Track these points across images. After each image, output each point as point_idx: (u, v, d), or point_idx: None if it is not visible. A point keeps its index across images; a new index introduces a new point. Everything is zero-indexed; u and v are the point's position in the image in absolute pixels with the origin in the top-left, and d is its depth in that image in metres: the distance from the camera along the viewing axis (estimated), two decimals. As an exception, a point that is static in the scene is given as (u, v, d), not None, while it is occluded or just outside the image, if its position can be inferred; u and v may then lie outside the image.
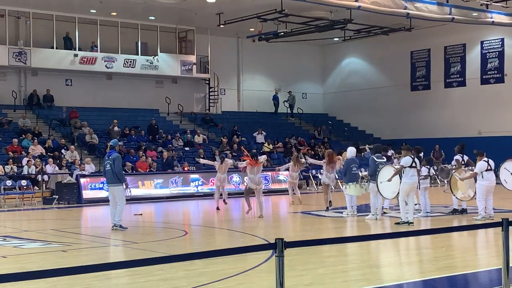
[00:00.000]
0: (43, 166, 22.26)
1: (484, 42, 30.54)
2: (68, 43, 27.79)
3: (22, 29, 27.20)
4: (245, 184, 16.26)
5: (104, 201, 20.10)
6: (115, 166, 13.04)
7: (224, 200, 17.78)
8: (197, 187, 23.04)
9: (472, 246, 11.04)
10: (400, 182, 13.33)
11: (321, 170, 18.81)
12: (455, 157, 15.36)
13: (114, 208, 13.22)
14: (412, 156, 13.35)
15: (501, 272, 6.19)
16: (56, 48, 27.47)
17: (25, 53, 26.65)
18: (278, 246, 4.93)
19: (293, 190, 19.44)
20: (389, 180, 13.27)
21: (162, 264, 7.41)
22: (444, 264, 8.93)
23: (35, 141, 24.23)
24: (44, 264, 9.35)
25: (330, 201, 16.75)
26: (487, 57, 30.45)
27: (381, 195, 13.87)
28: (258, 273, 8.28)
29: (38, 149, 23.80)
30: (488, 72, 30.43)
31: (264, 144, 29.55)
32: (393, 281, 7.98)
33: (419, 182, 14.59)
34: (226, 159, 18.41)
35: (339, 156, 17.93)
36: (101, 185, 20.79)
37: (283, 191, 22.29)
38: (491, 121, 29.86)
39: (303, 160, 20.02)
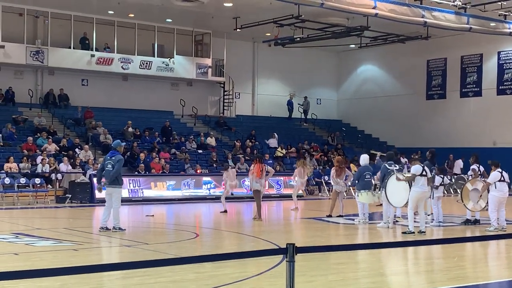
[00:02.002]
0: (57, 165, 22.40)
1: (501, 53, 30.36)
2: (85, 44, 27.97)
3: (40, 29, 27.43)
4: (252, 187, 16.30)
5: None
6: (116, 168, 12.83)
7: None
8: (209, 190, 23.07)
9: (483, 257, 10.96)
10: (410, 191, 13.24)
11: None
12: (471, 167, 15.29)
13: (108, 210, 13.02)
14: (422, 165, 13.26)
15: (513, 284, 6.14)
16: (73, 48, 27.66)
17: (43, 52, 26.85)
18: (289, 251, 4.93)
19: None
20: (398, 179, 13.20)
21: (172, 266, 7.44)
22: (456, 275, 8.88)
23: (50, 139, 24.39)
24: (55, 262, 9.39)
25: (331, 211, 16.72)
26: (504, 67, 30.27)
27: (389, 202, 13.79)
28: (268, 278, 8.27)
29: (52, 148, 23.95)
30: (505, 83, 30.24)
31: (277, 149, 29.55)
32: (403, 290, 7.94)
33: (432, 191, 14.53)
34: (229, 167, 18.80)
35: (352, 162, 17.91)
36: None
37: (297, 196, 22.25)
38: (507, 132, 29.65)
39: (310, 165, 20.40)
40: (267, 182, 20.42)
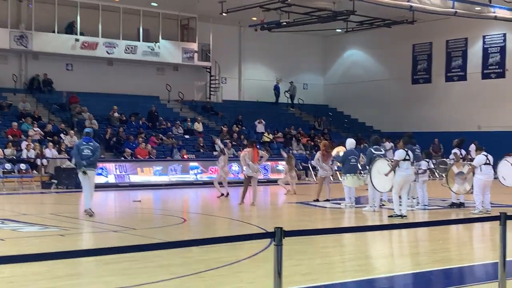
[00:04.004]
0: (43, 150, 22.28)
1: (486, 37, 30.48)
2: (69, 28, 27.71)
3: (24, 13, 27.12)
4: (244, 172, 16.29)
5: (103, 186, 20.17)
6: (96, 154, 13.52)
7: (228, 193, 17.84)
8: (196, 175, 23.06)
9: (468, 240, 11.07)
10: (394, 175, 13.27)
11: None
12: (453, 151, 15.40)
13: (88, 192, 13.43)
14: (406, 149, 13.29)
15: (498, 266, 6.21)
16: (58, 33, 27.40)
17: (27, 37, 26.58)
18: (277, 235, 4.94)
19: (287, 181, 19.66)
20: (387, 174, 13.23)
21: (160, 251, 7.44)
22: (441, 257, 8.96)
23: (35, 125, 24.22)
24: (42, 247, 9.37)
25: (318, 196, 16.76)
26: (489, 51, 30.41)
27: (374, 187, 13.85)
28: (255, 262, 8.31)
29: (37, 133, 23.80)
30: (489, 67, 30.39)
31: (264, 134, 29.56)
32: (389, 272, 8.01)
33: (417, 175, 14.61)
34: (225, 150, 18.65)
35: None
36: (100, 171, 20.82)
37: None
38: (491, 116, 29.86)
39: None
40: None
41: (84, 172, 13.31)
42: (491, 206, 14.03)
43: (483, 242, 10.76)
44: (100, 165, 21.01)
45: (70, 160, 21.71)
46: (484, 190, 13.83)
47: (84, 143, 13.54)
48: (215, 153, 24.25)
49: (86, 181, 13.45)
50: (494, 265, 7.20)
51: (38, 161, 21.87)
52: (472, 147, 25.49)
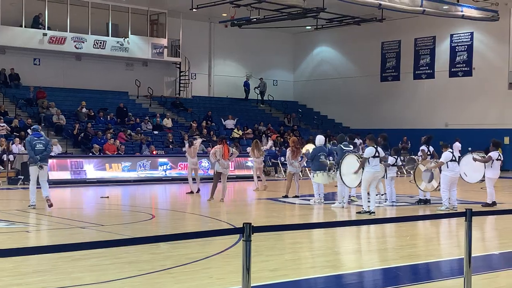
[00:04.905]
0: (9, 146, 21.94)
1: (454, 36, 30.89)
2: (36, 22, 27.32)
3: (-10, 6, 26.69)
4: (214, 168, 16.27)
5: (70, 182, 19.98)
6: (48, 148, 13.87)
7: (198, 189, 17.74)
8: (165, 171, 22.95)
9: (435, 236, 11.22)
10: (363, 171, 13.39)
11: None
12: (421, 148, 15.58)
13: (35, 187, 13.71)
14: (375, 146, 13.41)
15: (463, 262, 6.31)
16: (25, 27, 27.00)
17: (-7, 31, 26.16)
18: (246, 231, 4.95)
19: (258, 176, 19.59)
20: (355, 172, 13.33)
21: (128, 247, 7.41)
22: (408, 253, 9.07)
23: (1, 120, 23.85)
24: (8, 244, 9.24)
25: (287, 192, 16.80)
26: (456, 50, 30.84)
27: (343, 183, 13.96)
28: (224, 258, 8.31)
29: (4, 129, 23.43)
30: (457, 65, 30.82)
31: (234, 130, 29.55)
32: (357, 268, 8.08)
33: (386, 171, 14.76)
34: (194, 141, 18.41)
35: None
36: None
37: (251, 177, 22.32)
38: (458, 114, 30.30)
39: (263, 147, 20.44)
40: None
41: (41, 167, 13.52)
42: (458, 203, 14.23)
43: (449, 238, 10.92)
44: (68, 160, 20.85)
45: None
46: (450, 187, 14.03)
47: (35, 138, 13.74)
48: (184, 149, 24.16)
49: (36, 176, 13.67)
50: (460, 261, 7.32)
51: (5, 157, 21.54)
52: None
